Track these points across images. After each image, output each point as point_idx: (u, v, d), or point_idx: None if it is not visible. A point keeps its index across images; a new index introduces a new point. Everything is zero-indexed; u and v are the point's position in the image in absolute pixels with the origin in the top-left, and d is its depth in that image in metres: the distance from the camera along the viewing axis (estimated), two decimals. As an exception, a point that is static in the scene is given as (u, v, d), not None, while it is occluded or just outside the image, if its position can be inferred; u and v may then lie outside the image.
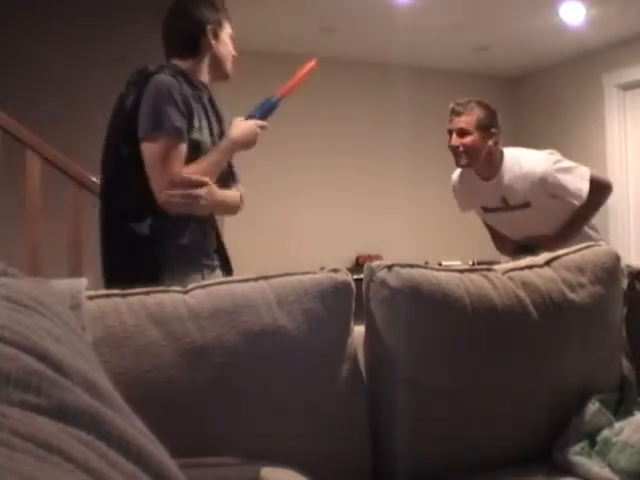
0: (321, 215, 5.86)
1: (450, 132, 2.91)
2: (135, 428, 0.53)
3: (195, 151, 2.09)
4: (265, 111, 2.24)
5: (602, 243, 1.88)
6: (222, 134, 2.23)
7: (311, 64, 2.31)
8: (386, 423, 1.47)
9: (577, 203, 2.88)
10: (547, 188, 2.84)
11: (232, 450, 1.19)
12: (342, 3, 4.73)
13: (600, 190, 2.92)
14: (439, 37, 5.39)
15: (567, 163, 2.90)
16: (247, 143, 2.18)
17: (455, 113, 2.90)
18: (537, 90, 6.40)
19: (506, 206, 2.96)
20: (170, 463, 0.53)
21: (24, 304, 0.59)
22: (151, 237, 2.02)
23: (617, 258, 1.76)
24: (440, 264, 4.98)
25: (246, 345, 1.33)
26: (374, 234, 5.86)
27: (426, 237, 5.97)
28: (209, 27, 2.17)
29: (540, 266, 1.69)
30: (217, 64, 2.22)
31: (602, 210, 3.03)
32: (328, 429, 1.39)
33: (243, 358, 1.32)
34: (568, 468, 1.47)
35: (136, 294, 1.36)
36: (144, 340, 1.27)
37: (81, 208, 3.09)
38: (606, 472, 1.42)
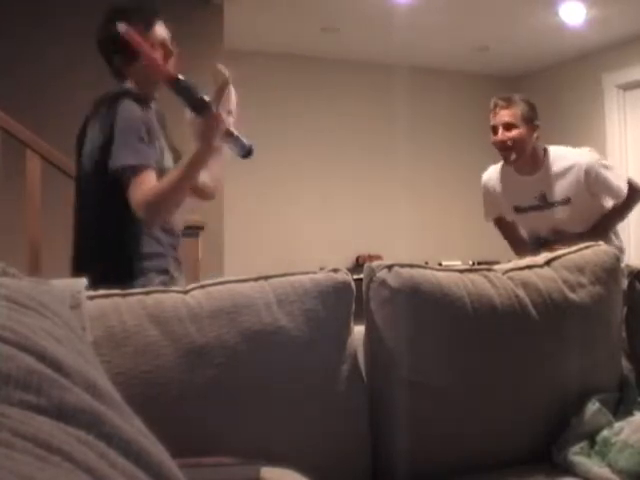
0: (321, 215, 5.85)
1: (494, 128, 2.87)
2: (135, 428, 0.53)
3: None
4: (190, 96, 1.92)
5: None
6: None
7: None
8: (386, 423, 1.47)
9: (614, 202, 2.88)
10: (590, 182, 2.82)
11: (232, 450, 1.19)
12: (342, 3, 4.73)
13: (634, 194, 2.92)
14: (439, 37, 5.39)
15: (607, 162, 2.92)
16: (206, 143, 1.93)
17: (500, 107, 2.86)
18: (537, 90, 6.39)
19: (544, 203, 2.91)
20: (170, 463, 0.54)
21: (24, 304, 0.59)
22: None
23: (617, 258, 1.76)
24: (440, 264, 4.98)
25: (246, 345, 1.33)
26: (374, 234, 5.86)
27: (426, 237, 5.97)
28: (116, 57, 2.12)
29: (540, 266, 1.69)
30: (146, 81, 2.11)
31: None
32: (328, 429, 1.39)
33: (243, 358, 1.32)
34: (568, 468, 1.47)
35: (136, 294, 1.36)
36: (144, 340, 1.27)
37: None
38: (606, 472, 1.42)
